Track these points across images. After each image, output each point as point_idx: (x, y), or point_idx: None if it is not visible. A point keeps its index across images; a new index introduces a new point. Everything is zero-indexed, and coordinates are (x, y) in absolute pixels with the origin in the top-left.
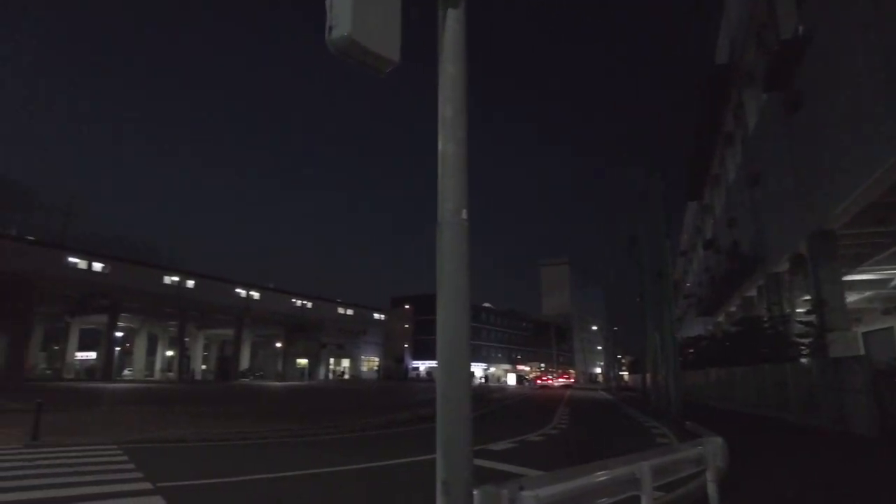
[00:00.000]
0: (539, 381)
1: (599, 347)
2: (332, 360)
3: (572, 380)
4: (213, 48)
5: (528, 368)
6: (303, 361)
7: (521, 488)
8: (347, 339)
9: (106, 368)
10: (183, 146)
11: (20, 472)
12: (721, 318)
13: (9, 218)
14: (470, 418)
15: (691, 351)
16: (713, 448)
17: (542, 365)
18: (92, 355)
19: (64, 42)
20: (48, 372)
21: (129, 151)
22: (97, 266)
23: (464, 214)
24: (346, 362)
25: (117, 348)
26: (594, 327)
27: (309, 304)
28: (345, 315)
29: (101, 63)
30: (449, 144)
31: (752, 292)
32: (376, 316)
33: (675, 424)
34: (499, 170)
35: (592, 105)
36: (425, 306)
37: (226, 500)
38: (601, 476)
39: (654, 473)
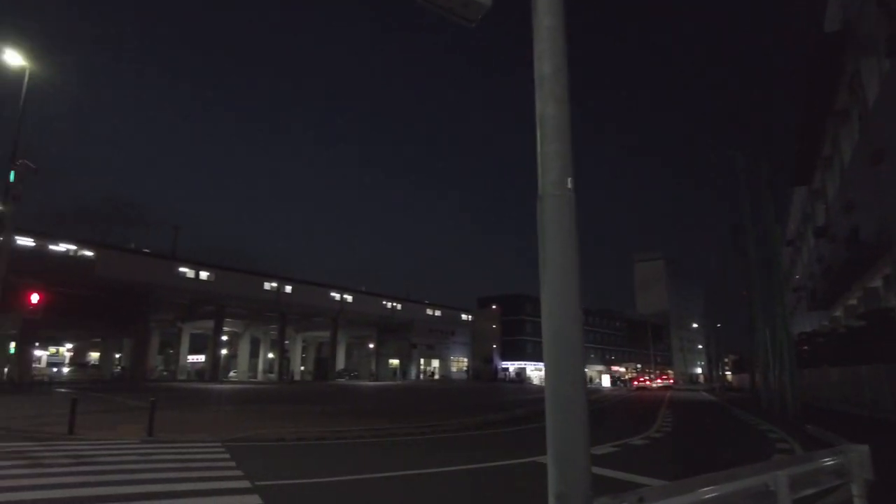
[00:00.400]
0: (636, 383)
1: (700, 346)
2: (422, 361)
3: (671, 381)
4: (317, 59)
5: (623, 369)
6: (395, 362)
7: (641, 500)
8: (436, 340)
9: (213, 370)
10: (278, 160)
11: (136, 466)
12: (839, 313)
13: (127, 233)
14: (586, 423)
15: (805, 348)
16: (859, 457)
17: (638, 366)
18: (202, 358)
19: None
20: (165, 373)
21: (232, 170)
22: (204, 275)
23: (569, 184)
24: (435, 363)
25: (223, 351)
26: (695, 325)
27: (399, 306)
28: (433, 316)
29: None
30: (548, 105)
31: (877, 283)
32: (464, 317)
33: (794, 429)
34: (585, 161)
35: (685, 88)
36: (512, 307)
37: (319, 500)
38: (730, 487)
39: (791, 485)
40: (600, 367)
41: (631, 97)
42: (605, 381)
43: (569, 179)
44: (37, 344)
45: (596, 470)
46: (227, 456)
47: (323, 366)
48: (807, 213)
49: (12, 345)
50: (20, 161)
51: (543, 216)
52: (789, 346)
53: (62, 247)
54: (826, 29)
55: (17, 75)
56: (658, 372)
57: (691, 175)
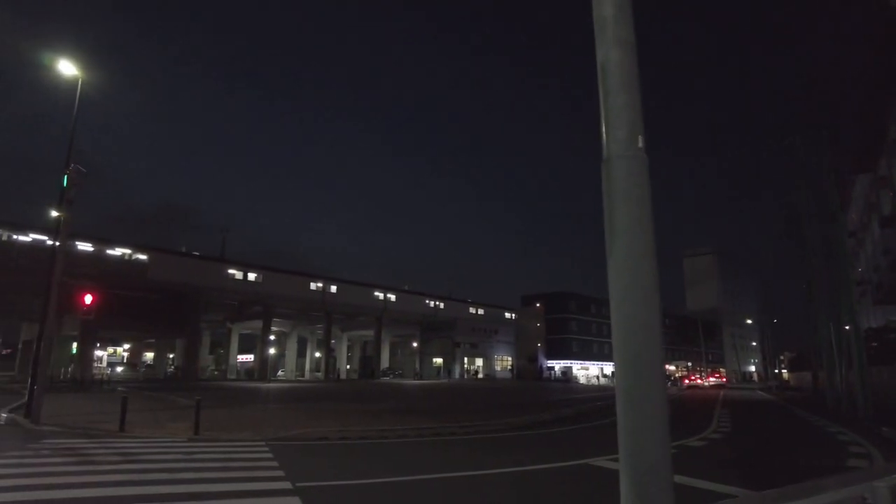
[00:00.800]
0: (687, 381)
1: (754, 343)
2: (465, 360)
3: (724, 379)
4: (377, 65)
5: (672, 368)
6: (438, 360)
7: None
8: (480, 339)
9: (262, 369)
10: (319, 164)
11: (179, 465)
12: None
13: (182, 237)
14: (667, 426)
15: (874, 344)
16: None
17: (688, 364)
18: (251, 358)
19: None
20: (216, 373)
21: (281, 172)
22: (252, 276)
23: (640, 142)
24: (479, 361)
25: (272, 351)
26: (749, 321)
27: (441, 305)
28: (476, 315)
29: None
30: (612, 50)
31: None
32: (507, 315)
33: (866, 431)
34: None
35: (734, 70)
36: (557, 304)
37: None
38: (821, 500)
39: (893, 497)
40: None
41: (674, 79)
42: None
43: (640, 137)
44: (98, 345)
45: None
46: (269, 455)
47: (368, 364)
48: (870, 201)
49: (74, 345)
50: (72, 166)
51: (610, 183)
52: (858, 342)
53: (118, 251)
54: (893, 3)
55: (73, 85)
56: (709, 370)
57: (742, 164)
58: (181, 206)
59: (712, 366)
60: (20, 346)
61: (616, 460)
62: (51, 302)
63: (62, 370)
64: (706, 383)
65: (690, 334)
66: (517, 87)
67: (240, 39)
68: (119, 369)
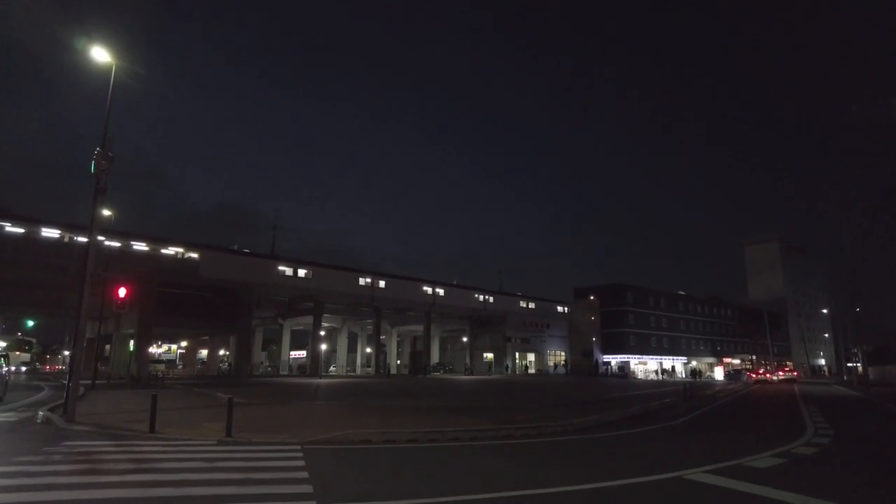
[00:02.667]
0: (754, 376)
1: (827, 335)
2: (517, 355)
3: (795, 373)
4: (428, 62)
5: (736, 361)
6: (489, 355)
7: None
8: (531, 333)
9: (313, 365)
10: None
11: (195, 475)
12: None
13: (238, 237)
14: None
15: None
16: None
17: (752, 357)
18: (303, 354)
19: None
20: (269, 369)
21: (331, 169)
22: (301, 272)
23: None
24: (531, 356)
25: (323, 346)
26: (824, 310)
27: (491, 299)
28: (527, 308)
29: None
30: None
31: None
32: (559, 309)
33: None
34: (683, 131)
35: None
36: (612, 297)
37: None
38: None
39: None
40: (711, 360)
41: (739, 39)
42: (718, 373)
43: None
44: (159, 343)
45: (772, 493)
46: (301, 463)
47: (418, 360)
48: None
49: (131, 343)
50: (97, 150)
51: None
52: None
53: (171, 250)
54: None
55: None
56: (776, 364)
57: (807, 141)
58: (236, 208)
59: (778, 359)
60: (84, 344)
61: (716, 472)
62: (84, 297)
63: (127, 367)
64: (775, 378)
65: (753, 326)
66: (565, 80)
67: (287, 39)
68: (180, 366)
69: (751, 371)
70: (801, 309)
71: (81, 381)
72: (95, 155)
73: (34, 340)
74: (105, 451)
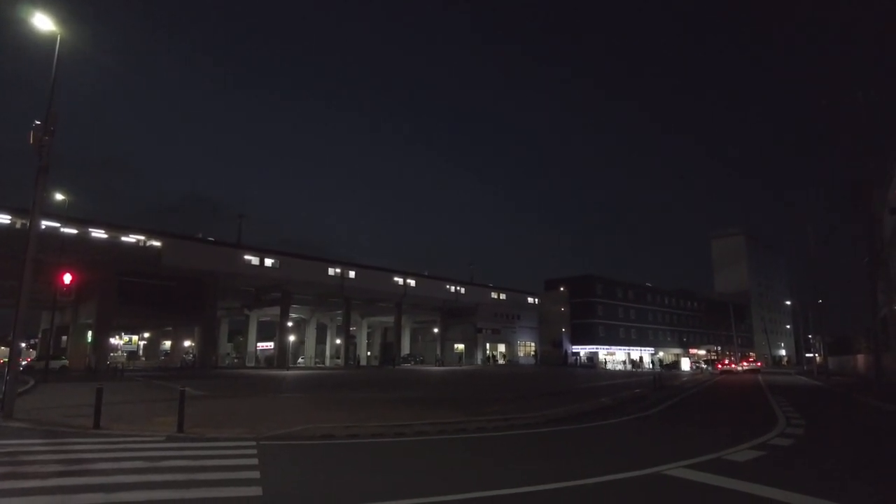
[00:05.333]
0: (720, 366)
1: (788, 327)
2: (487, 346)
3: (759, 364)
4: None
5: (702, 352)
6: (460, 346)
7: None
8: (502, 324)
9: (281, 356)
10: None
11: (132, 478)
12: None
13: (206, 228)
14: None
15: None
16: None
17: (717, 348)
18: (271, 345)
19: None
20: (235, 360)
21: (299, 160)
22: (268, 262)
23: None
24: (502, 347)
25: (291, 338)
26: (788, 302)
27: (462, 290)
28: (498, 300)
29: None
30: None
31: None
32: (530, 300)
33: None
34: (653, 127)
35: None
36: (582, 288)
37: None
38: None
39: None
40: (677, 350)
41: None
42: (685, 364)
43: None
44: (120, 334)
45: (756, 488)
46: (254, 461)
47: (388, 351)
48: None
49: (89, 334)
50: (34, 123)
51: None
52: None
53: (132, 237)
54: None
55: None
56: (740, 354)
57: (773, 136)
58: (204, 199)
59: (742, 350)
60: (39, 335)
61: (697, 467)
62: (25, 283)
63: (86, 359)
64: (739, 368)
65: (719, 318)
66: (537, 72)
67: (253, 32)
68: (143, 358)
69: (717, 361)
70: (763, 301)
71: (33, 374)
72: (33, 128)
73: None
74: (35, 451)
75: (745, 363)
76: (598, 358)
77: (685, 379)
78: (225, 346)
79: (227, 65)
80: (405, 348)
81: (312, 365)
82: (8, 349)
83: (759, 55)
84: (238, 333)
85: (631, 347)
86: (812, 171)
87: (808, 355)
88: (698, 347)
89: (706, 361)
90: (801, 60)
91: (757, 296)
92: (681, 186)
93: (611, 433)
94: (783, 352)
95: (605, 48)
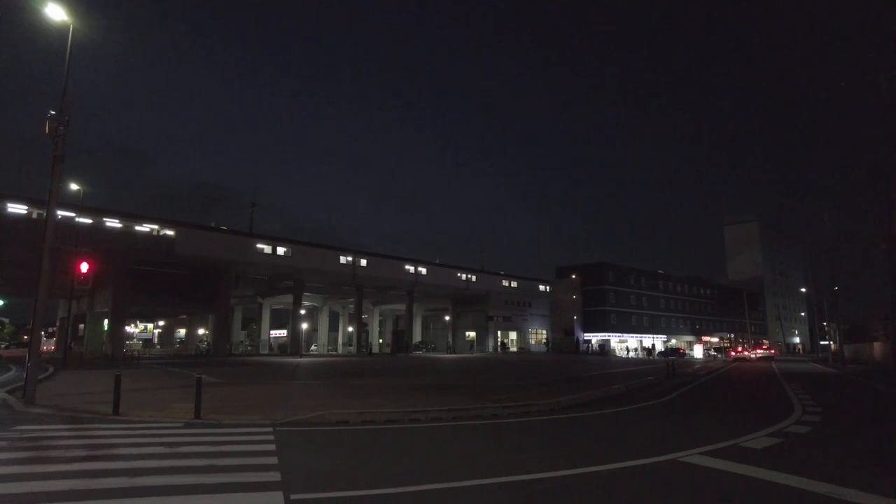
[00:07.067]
0: (733, 353)
1: (803, 314)
2: (499, 333)
3: (773, 351)
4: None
5: (715, 339)
6: (471, 334)
7: None
8: (513, 312)
9: (294, 344)
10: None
11: (153, 462)
12: None
13: (214, 216)
14: None
15: None
16: None
17: (730, 335)
18: (285, 333)
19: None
20: (249, 348)
21: (315, 151)
22: (281, 250)
23: None
24: (513, 335)
25: (304, 325)
26: (802, 289)
27: (473, 278)
28: (509, 287)
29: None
30: None
31: None
32: (542, 288)
33: None
34: (667, 110)
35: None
36: (594, 276)
37: None
38: None
39: None
40: (690, 338)
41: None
42: (698, 351)
43: None
44: (135, 322)
45: (776, 476)
46: (271, 447)
47: (400, 338)
48: None
49: (105, 322)
50: (49, 114)
51: None
52: None
53: (146, 227)
54: None
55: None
56: (753, 342)
57: (791, 122)
58: (217, 188)
59: (755, 337)
60: (58, 323)
61: (713, 454)
62: (44, 272)
63: (102, 346)
64: (753, 355)
65: (732, 305)
66: (561, 63)
67: (274, 22)
68: (158, 346)
69: (730, 349)
70: (777, 288)
71: (53, 361)
72: (49, 118)
73: (6, 320)
74: (58, 437)
75: (758, 350)
76: (609, 345)
77: (698, 366)
78: (239, 334)
79: (243, 57)
80: (417, 336)
81: (325, 352)
82: (28, 338)
83: (777, 36)
84: (251, 321)
85: (643, 335)
86: (830, 157)
87: (822, 343)
88: (711, 335)
89: (717, 349)
90: (823, 41)
91: (771, 283)
92: (695, 174)
93: (625, 420)
94: (797, 339)
95: (619, 39)
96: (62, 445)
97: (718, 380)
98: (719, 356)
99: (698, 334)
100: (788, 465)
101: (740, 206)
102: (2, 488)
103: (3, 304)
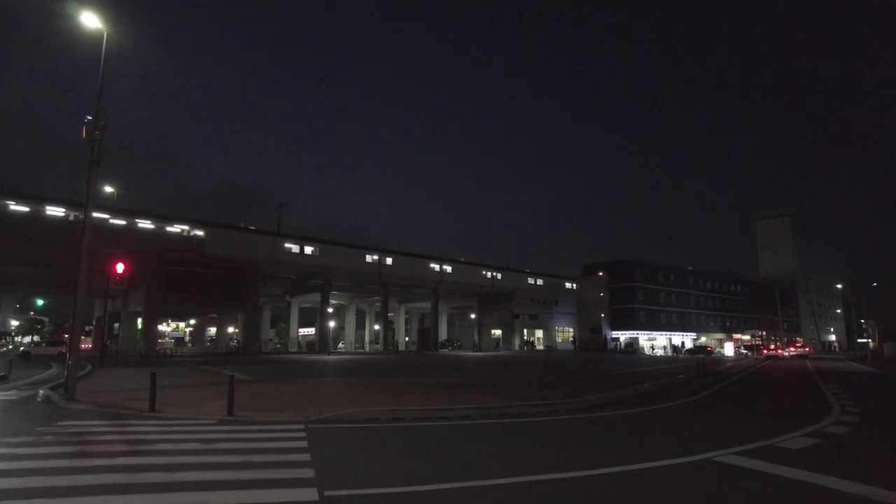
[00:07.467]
0: (766, 351)
1: (839, 311)
2: (525, 331)
3: (808, 349)
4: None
5: (747, 337)
6: (497, 332)
7: None
8: (539, 310)
9: (322, 342)
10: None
11: (189, 458)
12: None
13: (241, 215)
14: None
15: None
16: None
17: (762, 333)
18: (313, 331)
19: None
20: (279, 346)
21: (335, 149)
22: (308, 249)
23: None
24: (539, 333)
25: (331, 323)
26: (839, 286)
27: (499, 276)
28: (535, 285)
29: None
30: None
31: None
32: (568, 285)
33: None
34: (703, 111)
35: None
36: (621, 273)
37: None
38: None
39: None
40: (720, 335)
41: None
42: (728, 349)
43: None
44: (167, 321)
45: (812, 477)
46: (304, 444)
47: (426, 336)
48: None
49: (139, 321)
50: (86, 119)
51: None
52: None
53: (176, 227)
54: None
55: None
56: (786, 339)
57: (823, 115)
58: (244, 188)
59: (788, 335)
60: (94, 322)
61: (747, 454)
62: (82, 272)
63: (135, 345)
64: (786, 353)
65: (764, 302)
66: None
67: (297, 21)
68: (189, 344)
69: (763, 347)
70: (812, 285)
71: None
72: (86, 123)
73: (46, 319)
74: (99, 432)
75: (792, 348)
76: (638, 343)
77: (729, 364)
78: (268, 332)
79: (268, 58)
80: (442, 334)
81: (352, 350)
82: (68, 336)
83: (807, 30)
84: (280, 319)
85: (672, 333)
86: (869, 151)
87: (860, 341)
88: (742, 332)
89: (749, 347)
90: (856, 34)
91: (804, 279)
92: (724, 168)
93: (656, 419)
94: (833, 337)
95: (650, 34)
96: (103, 441)
97: (751, 378)
98: (750, 354)
99: (729, 332)
100: (826, 467)
101: (773, 200)
102: (51, 480)
103: (43, 304)
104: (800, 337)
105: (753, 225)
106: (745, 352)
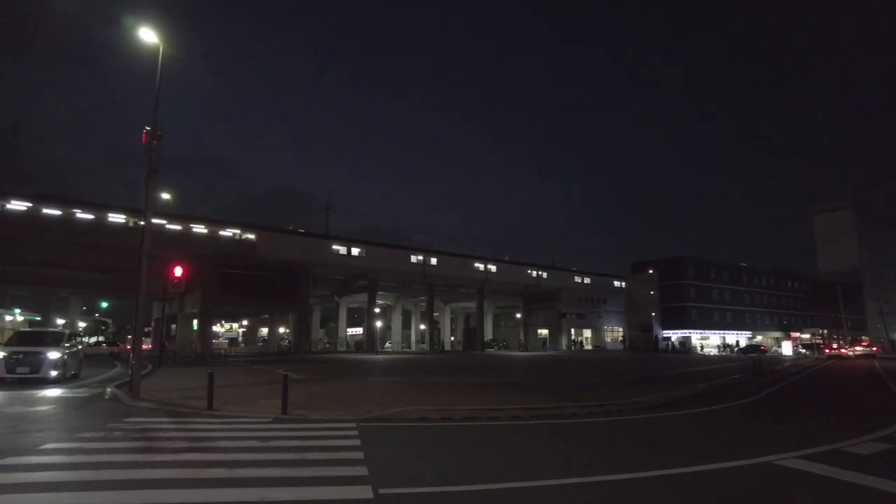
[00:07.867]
0: (828, 350)
1: None
2: (572, 331)
3: (875, 348)
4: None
5: (806, 336)
6: (544, 332)
7: None
8: (587, 309)
9: (369, 341)
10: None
11: (247, 456)
12: None
13: (291, 219)
14: None
15: None
16: None
17: (822, 331)
18: (360, 330)
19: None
20: (328, 345)
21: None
22: (355, 251)
23: None
24: (587, 332)
25: (378, 323)
26: None
27: (544, 275)
28: (582, 284)
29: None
30: None
31: None
32: (616, 283)
33: None
34: (758, 100)
35: None
36: (672, 270)
37: None
38: None
39: None
40: (777, 334)
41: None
42: (786, 348)
43: None
44: (221, 322)
45: (891, 486)
46: (356, 442)
47: (471, 336)
48: None
49: (195, 322)
50: (145, 129)
51: None
52: None
53: (228, 231)
54: None
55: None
56: (850, 338)
57: (882, 99)
58: (292, 191)
59: (852, 333)
60: (153, 323)
61: (812, 458)
62: (142, 276)
63: (191, 345)
64: (851, 353)
65: (824, 298)
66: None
67: (343, 26)
68: (242, 344)
69: (824, 346)
70: (878, 280)
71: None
72: (145, 132)
73: (110, 321)
74: (163, 429)
75: (857, 347)
76: (690, 343)
77: (787, 364)
78: (317, 332)
79: (313, 70)
80: (488, 333)
81: (399, 349)
82: (131, 336)
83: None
84: (329, 319)
85: (726, 331)
86: None
87: None
88: (801, 331)
89: (808, 346)
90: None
91: (870, 274)
92: (778, 160)
93: (712, 420)
94: None
95: (697, 29)
96: (167, 437)
97: (812, 378)
98: (810, 353)
99: (786, 330)
100: None
101: (831, 192)
102: (121, 474)
103: (107, 306)
104: (865, 336)
105: (811, 218)
106: (804, 351)
